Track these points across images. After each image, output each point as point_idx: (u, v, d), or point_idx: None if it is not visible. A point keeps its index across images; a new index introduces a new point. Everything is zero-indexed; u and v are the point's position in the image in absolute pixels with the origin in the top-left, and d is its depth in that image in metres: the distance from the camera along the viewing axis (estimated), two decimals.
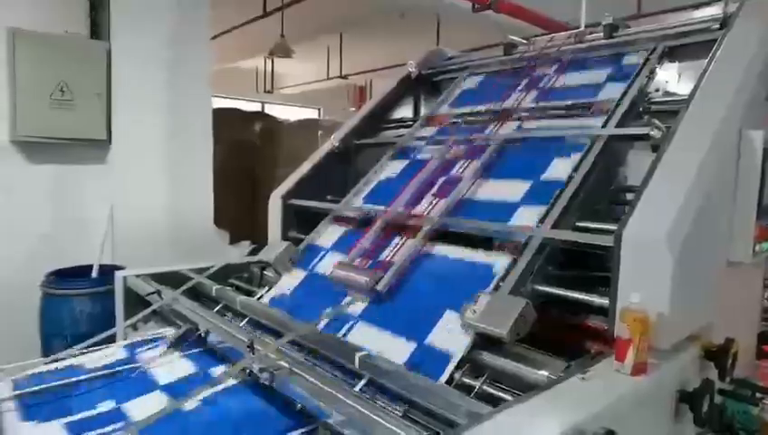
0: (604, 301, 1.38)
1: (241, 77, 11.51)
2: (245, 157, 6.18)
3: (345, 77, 10.41)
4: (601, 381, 1.17)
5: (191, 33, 3.60)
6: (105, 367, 1.57)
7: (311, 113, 14.28)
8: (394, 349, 1.44)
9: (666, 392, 1.29)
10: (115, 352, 1.69)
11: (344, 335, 1.59)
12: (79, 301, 2.67)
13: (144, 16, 3.39)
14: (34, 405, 1.36)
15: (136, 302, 2.07)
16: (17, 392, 1.41)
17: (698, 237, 1.34)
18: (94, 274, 2.94)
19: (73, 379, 1.50)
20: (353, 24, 7.83)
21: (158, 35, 3.46)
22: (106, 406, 1.36)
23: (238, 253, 4.00)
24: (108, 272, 2.86)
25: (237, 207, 5.57)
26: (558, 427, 0.96)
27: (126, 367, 1.55)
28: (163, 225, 3.53)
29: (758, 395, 1.50)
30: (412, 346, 1.45)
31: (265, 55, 8.73)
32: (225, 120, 5.38)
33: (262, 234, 2.61)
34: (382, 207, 2.03)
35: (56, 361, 1.69)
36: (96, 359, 1.64)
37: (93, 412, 1.33)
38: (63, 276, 2.84)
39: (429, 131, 2.44)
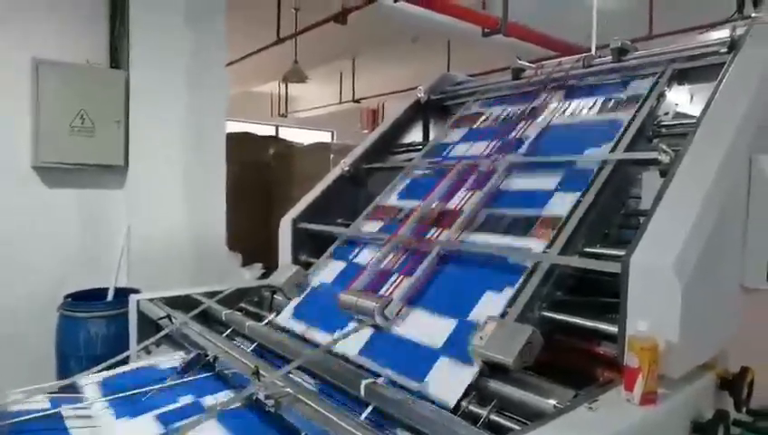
0: (613, 328, 1.36)
1: (256, 101, 11.71)
2: (259, 180, 6.26)
3: (358, 101, 10.53)
4: (609, 411, 1.15)
5: (207, 61, 3.69)
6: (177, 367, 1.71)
7: (324, 136, 14.41)
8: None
9: (678, 423, 1.27)
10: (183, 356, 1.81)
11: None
12: (94, 323, 2.72)
13: (162, 46, 3.49)
14: (121, 404, 1.50)
15: (149, 325, 2.09)
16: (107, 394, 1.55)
17: (709, 264, 1.32)
18: (110, 297, 2.99)
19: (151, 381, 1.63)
20: (366, 49, 7.95)
21: (175, 64, 3.55)
22: (186, 400, 1.52)
23: (250, 275, 4.04)
24: (123, 295, 2.91)
25: (251, 230, 5.62)
26: None
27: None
28: (177, 248, 3.58)
29: None
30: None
31: (279, 80, 8.87)
32: (240, 145, 5.47)
33: (275, 256, 2.63)
34: (386, 235, 2.04)
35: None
36: (166, 361, 1.81)
37: (176, 405, 1.48)
38: (80, 299, 2.90)
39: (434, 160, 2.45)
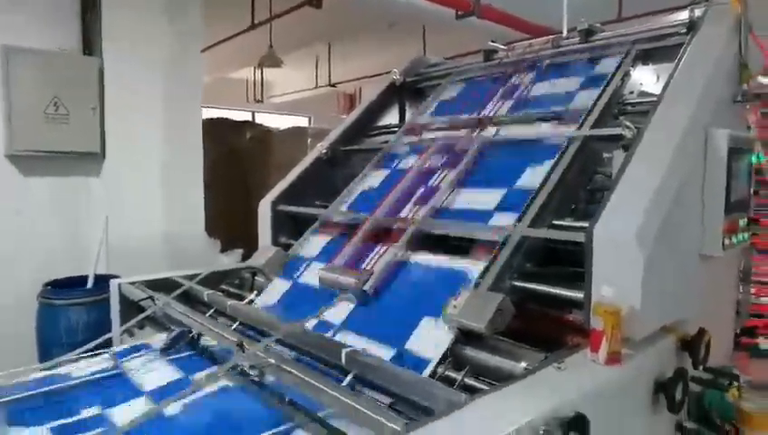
0: (579, 294, 1.43)
1: (231, 87, 11.57)
2: (236, 165, 6.24)
3: (334, 85, 10.49)
4: (576, 371, 1.23)
5: (182, 47, 3.67)
6: (91, 374, 1.62)
7: (301, 121, 14.33)
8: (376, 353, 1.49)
9: (641, 381, 1.35)
10: (101, 361, 1.74)
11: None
12: (75, 310, 2.73)
13: (135, 32, 3.46)
14: (20, 411, 1.41)
15: (131, 309, 2.11)
16: (3, 399, 1.45)
17: (668, 233, 1.40)
18: (90, 284, 2.99)
19: (58, 385, 1.54)
20: (342, 34, 7.92)
21: (149, 50, 3.53)
22: (90, 412, 1.40)
23: (230, 260, 4.06)
24: (103, 281, 2.91)
25: (229, 216, 5.62)
26: (531, 413, 1.01)
27: (109, 373, 1.61)
28: (156, 235, 3.58)
29: (733, 382, 1.56)
30: (392, 352, 1.50)
31: (255, 66, 8.78)
32: (215, 130, 5.44)
33: (254, 241, 2.66)
34: (365, 215, 2.09)
35: (53, 367, 1.74)
36: (83, 367, 1.69)
37: (77, 418, 1.38)
38: (60, 287, 2.90)
39: (410, 140, 2.50)
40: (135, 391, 1.49)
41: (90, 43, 3.36)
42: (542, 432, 0.98)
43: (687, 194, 1.53)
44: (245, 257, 2.52)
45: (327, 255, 2.08)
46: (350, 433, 1.10)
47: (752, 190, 1.79)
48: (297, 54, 8.60)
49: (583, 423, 1.02)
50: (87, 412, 1.40)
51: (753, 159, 1.76)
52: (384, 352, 1.49)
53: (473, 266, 1.63)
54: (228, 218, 5.51)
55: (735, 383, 1.62)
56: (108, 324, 2.31)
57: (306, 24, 6.74)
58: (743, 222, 1.72)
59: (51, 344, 2.75)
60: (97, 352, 1.88)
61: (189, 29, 3.74)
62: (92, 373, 1.62)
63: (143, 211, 3.55)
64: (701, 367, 1.52)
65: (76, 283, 3.02)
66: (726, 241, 1.63)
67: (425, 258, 1.79)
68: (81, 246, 3.31)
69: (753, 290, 2.41)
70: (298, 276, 2.08)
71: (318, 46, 8.80)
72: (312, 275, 1.99)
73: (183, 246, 3.66)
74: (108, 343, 2.01)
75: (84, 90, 3.26)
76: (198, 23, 3.79)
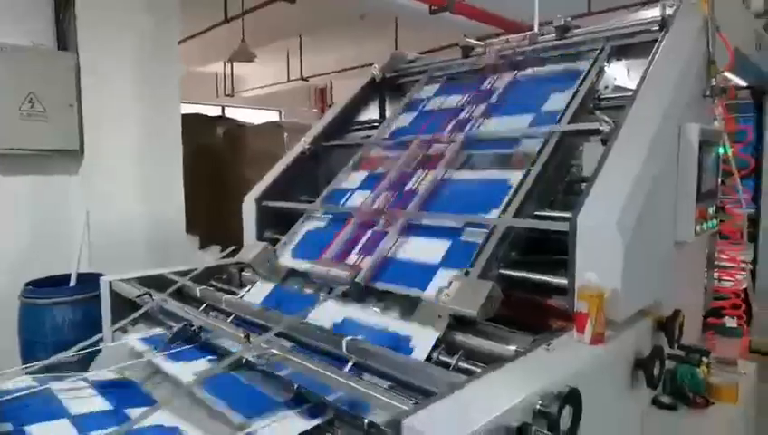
0: (563, 281, 1.52)
1: (201, 81, 11.43)
2: (211, 162, 6.20)
3: (306, 79, 10.46)
4: (564, 351, 1.31)
5: (159, 40, 3.64)
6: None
7: (272, 115, 14.24)
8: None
9: (622, 359, 1.44)
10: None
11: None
12: (59, 310, 2.71)
13: (110, 26, 3.42)
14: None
15: (122, 305, 2.12)
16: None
17: (646, 220, 1.50)
18: (72, 282, 2.96)
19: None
20: (313, 27, 7.90)
21: (125, 45, 3.49)
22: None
23: (210, 257, 4.06)
24: (85, 280, 2.90)
25: (205, 213, 5.59)
26: (528, 389, 1.08)
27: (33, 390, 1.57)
28: (137, 232, 3.56)
29: (702, 358, 1.67)
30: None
31: (225, 60, 8.70)
32: (188, 126, 5.40)
33: (232, 237, 2.68)
34: (356, 205, 2.14)
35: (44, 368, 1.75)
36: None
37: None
38: (42, 286, 2.86)
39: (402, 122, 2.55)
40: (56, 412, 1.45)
41: (64, 38, 3.31)
42: (539, 406, 1.06)
43: (662, 184, 1.63)
44: (232, 253, 2.53)
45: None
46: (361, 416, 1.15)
47: (719, 180, 1.91)
48: (268, 48, 8.55)
49: (578, 397, 1.10)
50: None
51: (721, 150, 1.88)
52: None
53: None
54: (204, 215, 5.49)
55: (705, 360, 1.74)
56: (94, 322, 2.31)
57: (278, 18, 6.71)
58: (712, 210, 1.84)
59: (35, 344, 2.72)
60: (90, 349, 1.90)
61: (166, 22, 3.70)
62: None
63: (123, 208, 3.52)
64: (676, 345, 1.63)
65: (57, 282, 2.99)
66: (698, 228, 1.75)
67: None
68: (61, 243, 3.27)
69: (716, 274, 2.56)
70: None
71: (289, 40, 8.76)
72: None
73: (165, 243, 3.65)
74: (99, 342, 2.02)
75: (60, 86, 3.21)
76: (175, 15, 3.75)
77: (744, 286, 2.51)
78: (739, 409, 1.79)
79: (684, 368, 1.72)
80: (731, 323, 2.14)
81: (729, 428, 1.74)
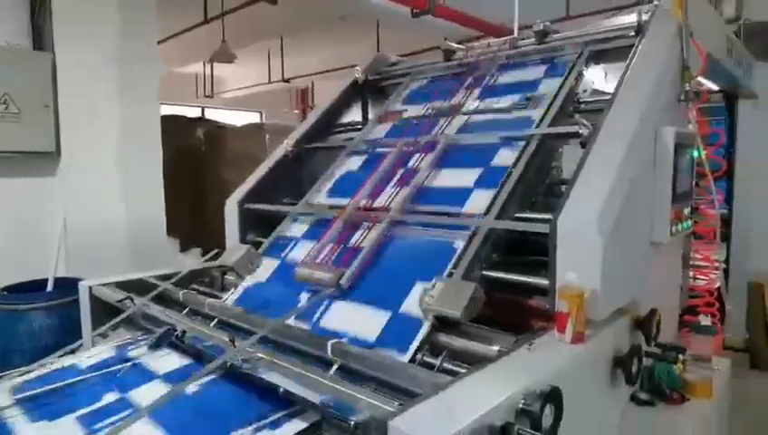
0: (544, 281, 1.55)
1: (180, 82, 11.30)
2: (190, 164, 6.14)
3: (287, 80, 10.42)
4: (546, 350, 1.34)
5: (138, 40, 3.59)
6: (99, 365, 1.64)
7: (252, 117, 14.14)
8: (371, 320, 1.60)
9: (602, 358, 1.48)
10: (101, 353, 1.76)
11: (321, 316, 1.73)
12: (37, 315, 2.66)
13: (87, 26, 3.36)
14: (39, 407, 1.42)
15: (102, 310, 2.10)
16: (19, 397, 1.46)
17: (624, 222, 1.53)
18: (49, 287, 2.92)
19: (70, 380, 1.56)
20: (294, 28, 7.88)
21: (103, 44, 3.43)
22: (111, 397, 1.44)
23: (191, 260, 4.03)
24: (63, 285, 2.85)
25: (185, 215, 5.54)
26: (511, 389, 1.11)
27: (117, 366, 1.63)
28: (116, 235, 3.51)
29: (679, 356, 1.72)
30: (388, 315, 1.59)
31: (206, 60, 8.62)
32: (167, 128, 5.34)
33: (212, 240, 2.66)
34: (346, 201, 2.15)
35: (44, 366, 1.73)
36: (85, 360, 1.71)
37: (100, 404, 1.42)
38: (17, 291, 2.81)
39: (382, 130, 2.57)
40: (148, 376, 1.54)
41: (40, 37, 3.25)
42: (521, 405, 1.08)
43: (640, 186, 1.67)
44: (214, 257, 2.52)
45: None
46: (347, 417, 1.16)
47: (693, 182, 1.96)
48: (249, 49, 8.51)
49: (559, 396, 1.13)
50: (108, 398, 1.44)
51: (695, 153, 1.93)
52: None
53: None
54: (184, 218, 5.43)
55: (682, 357, 1.78)
56: (71, 328, 2.28)
57: (259, 19, 6.68)
58: (687, 211, 1.89)
59: (11, 350, 2.67)
60: (72, 356, 1.87)
61: (144, 21, 3.66)
62: (99, 364, 1.65)
63: (102, 211, 3.47)
64: (653, 343, 1.67)
65: (33, 287, 2.94)
66: (673, 229, 1.79)
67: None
68: (38, 247, 3.21)
69: (690, 272, 2.62)
70: (285, 256, 2.16)
71: (271, 41, 8.72)
72: (300, 255, 2.08)
73: (145, 246, 3.60)
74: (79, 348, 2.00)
75: (36, 86, 3.16)
76: (153, 15, 3.71)
77: (717, 285, 2.58)
78: (713, 404, 1.84)
79: (661, 365, 1.76)
80: (705, 320, 2.19)
81: (704, 422, 1.79)
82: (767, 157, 3.24)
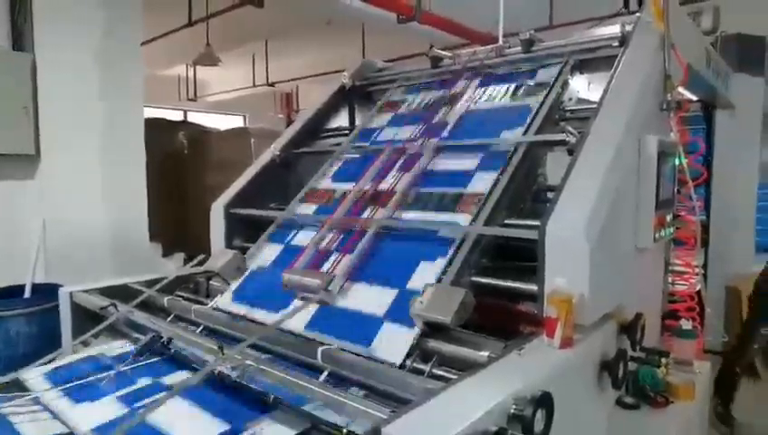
0: (533, 287, 1.56)
1: (162, 85, 11.17)
2: (173, 168, 6.07)
3: (272, 84, 10.38)
4: (535, 356, 1.35)
5: (121, 41, 3.54)
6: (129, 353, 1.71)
7: (236, 120, 14.05)
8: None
9: (590, 362, 1.49)
10: (123, 346, 1.85)
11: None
12: (15, 321, 2.60)
13: (69, 26, 3.31)
14: (77, 390, 1.49)
15: (82, 317, 2.06)
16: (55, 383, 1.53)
17: (610, 228, 1.55)
18: (27, 293, 2.85)
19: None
20: (279, 32, 7.86)
21: (85, 45, 3.38)
22: (145, 381, 1.53)
23: (174, 265, 3.98)
24: (41, 291, 2.79)
25: (168, 220, 5.46)
26: (502, 394, 1.11)
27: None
28: (97, 240, 3.45)
29: (662, 359, 1.75)
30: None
31: (189, 63, 8.55)
32: (150, 131, 5.28)
33: (195, 245, 2.63)
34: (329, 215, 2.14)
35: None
36: (109, 350, 1.82)
37: (136, 387, 1.50)
38: None
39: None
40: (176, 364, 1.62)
41: (20, 37, 3.19)
42: (513, 410, 1.09)
43: (624, 194, 1.69)
44: (200, 262, 2.50)
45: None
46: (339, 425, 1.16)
47: (675, 189, 2.00)
48: (233, 52, 8.46)
49: (550, 400, 1.14)
50: (142, 382, 1.52)
51: (677, 161, 1.97)
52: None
53: None
54: (167, 222, 5.36)
55: (665, 360, 1.82)
56: (51, 336, 2.23)
57: (244, 22, 6.65)
58: (669, 217, 1.93)
59: None
60: (53, 365, 1.83)
61: (128, 22, 3.61)
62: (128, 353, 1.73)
63: (82, 215, 3.40)
64: (638, 347, 1.70)
65: (10, 293, 2.87)
66: (657, 235, 1.83)
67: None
68: (15, 252, 3.14)
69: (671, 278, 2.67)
70: (288, 242, 2.19)
71: (255, 44, 8.69)
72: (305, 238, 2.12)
73: (127, 251, 3.55)
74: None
75: (15, 88, 3.09)
76: (138, 15, 3.67)
77: (697, 289, 2.63)
78: (696, 406, 1.88)
79: (645, 369, 1.79)
80: (687, 324, 2.23)
81: (687, 424, 1.82)
82: (743, 164, 3.32)
